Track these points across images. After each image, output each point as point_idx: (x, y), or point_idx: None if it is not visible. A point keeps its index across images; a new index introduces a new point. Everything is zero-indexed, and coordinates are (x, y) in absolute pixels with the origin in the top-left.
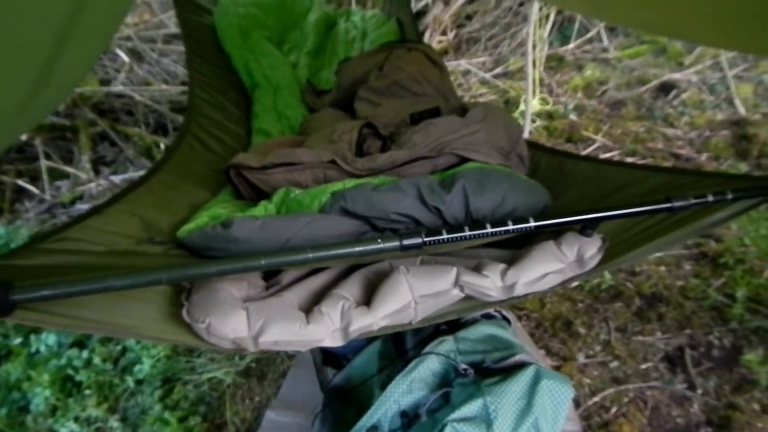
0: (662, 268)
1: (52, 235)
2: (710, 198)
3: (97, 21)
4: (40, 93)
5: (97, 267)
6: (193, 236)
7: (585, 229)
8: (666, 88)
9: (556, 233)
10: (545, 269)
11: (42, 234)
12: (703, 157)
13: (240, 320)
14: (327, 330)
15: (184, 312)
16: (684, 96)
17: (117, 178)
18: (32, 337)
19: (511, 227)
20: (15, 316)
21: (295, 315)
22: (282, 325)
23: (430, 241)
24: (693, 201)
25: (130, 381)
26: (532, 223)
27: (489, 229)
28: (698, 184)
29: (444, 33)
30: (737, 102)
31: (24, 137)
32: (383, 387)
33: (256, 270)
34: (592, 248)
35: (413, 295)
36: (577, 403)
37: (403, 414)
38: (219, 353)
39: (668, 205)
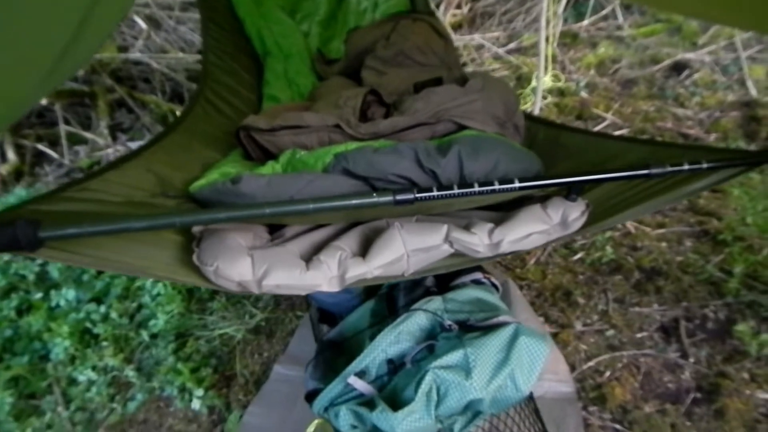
0: (663, 244)
1: (74, 185)
2: (686, 167)
3: None
4: (68, 55)
5: (114, 214)
6: (204, 191)
7: (570, 194)
8: (679, 67)
9: (543, 198)
10: (530, 229)
11: (65, 184)
12: (712, 137)
13: (245, 265)
14: (325, 276)
15: (194, 256)
16: (696, 76)
17: (134, 145)
18: (53, 292)
19: (497, 187)
20: (41, 253)
21: (296, 262)
22: (284, 270)
23: (421, 197)
24: (669, 169)
25: (145, 335)
26: (517, 184)
27: (476, 188)
28: (679, 156)
29: (459, 6)
30: (749, 83)
31: (44, 102)
32: (373, 338)
33: (261, 217)
34: (575, 212)
35: (406, 248)
36: (572, 366)
37: (390, 362)
38: (229, 312)
39: (646, 171)
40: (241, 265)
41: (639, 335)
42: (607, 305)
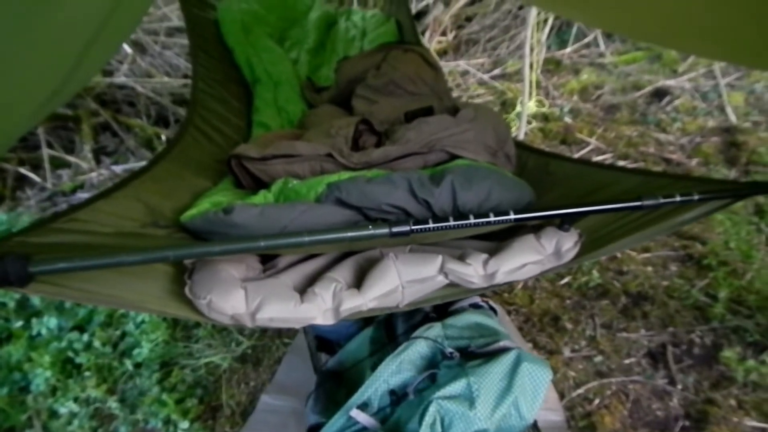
0: (649, 269)
1: (62, 216)
2: (678, 198)
3: (130, 12)
4: (66, 84)
5: (105, 246)
6: (196, 221)
7: (563, 224)
8: (660, 94)
9: (536, 228)
10: (524, 260)
11: (53, 215)
12: (693, 162)
13: (239, 298)
14: (319, 309)
15: (186, 289)
16: (677, 102)
17: (118, 168)
18: (33, 320)
19: (492, 219)
20: (31, 288)
21: (290, 294)
22: (278, 303)
23: (417, 229)
24: (662, 201)
25: (128, 364)
26: (512, 216)
27: (472, 220)
28: (670, 186)
29: (444, 34)
30: (729, 110)
31: None
32: (374, 369)
33: (256, 251)
34: (569, 242)
35: (401, 279)
36: (561, 394)
37: (392, 392)
38: (215, 339)
39: (639, 203)
40: (235, 298)
41: (627, 361)
42: (595, 330)
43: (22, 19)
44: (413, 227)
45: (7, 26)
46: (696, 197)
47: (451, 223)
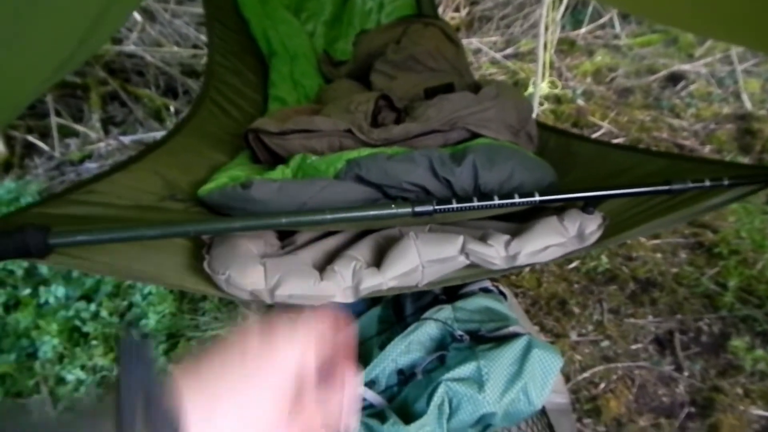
0: (658, 255)
1: (81, 187)
2: (707, 183)
3: None
4: (76, 52)
5: (123, 219)
6: (214, 195)
7: (587, 206)
8: (675, 78)
9: (559, 209)
10: (547, 242)
11: (71, 186)
12: (707, 149)
13: (258, 274)
14: (339, 287)
15: (205, 264)
16: (692, 87)
17: (126, 139)
18: (41, 289)
19: (517, 200)
20: (50, 260)
21: (309, 272)
22: (297, 280)
23: (440, 209)
24: (691, 185)
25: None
26: (537, 198)
27: (497, 201)
28: (697, 170)
29: (457, 9)
30: (744, 96)
31: None
32: (382, 347)
33: (278, 227)
34: (592, 225)
35: (421, 259)
36: (567, 377)
37: (400, 372)
38: (222, 312)
39: (667, 188)
40: (254, 274)
41: (634, 347)
42: (602, 315)
43: None
44: (437, 207)
45: None
46: (726, 182)
47: (476, 203)
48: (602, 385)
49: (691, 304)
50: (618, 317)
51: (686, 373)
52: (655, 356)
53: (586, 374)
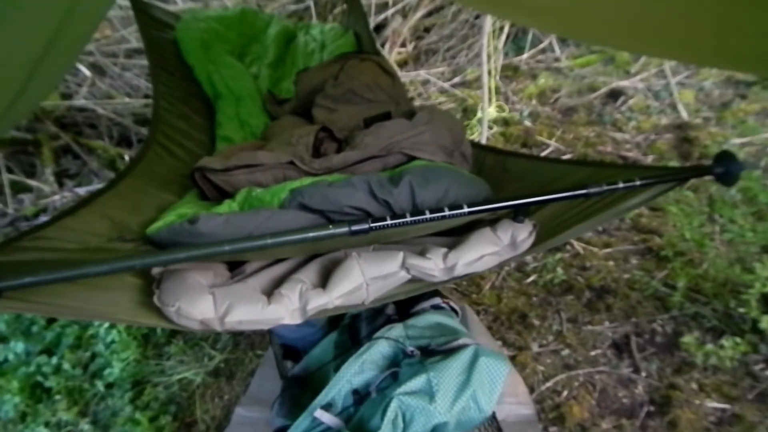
0: (611, 263)
1: (28, 234)
2: (621, 185)
3: (77, 30)
4: (18, 102)
5: (71, 262)
6: (162, 232)
7: (517, 215)
8: (614, 94)
9: (493, 221)
10: (482, 251)
11: (20, 234)
12: (649, 159)
13: (207, 303)
14: (287, 309)
15: (155, 298)
16: (631, 102)
17: (81, 190)
18: (0, 346)
19: (447, 213)
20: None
21: (257, 297)
22: (246, 306)
23: (376, 227)
24: (606, 188)
25: (100, 385)
26: (466, 210)
27: (428, 215)
28: (617, 175)
29: (403, 45)
30: (680, 107)
31: None
32: (337, 370)
33: (221, 255)
34: (524, 233)
35: (365, 277)
36: (531, 388)
37: (355, 392)
38: (188, 355)
39: (585, 191)
40: (203, 303)
41: (593, 353)
42: (561, 325)
43: None
44: (372, 225)
45: None
46: (638, 183)
47: (408, 219)
48: (565, 393)
49: (644, 307)
50: (576, 326)
51: (644, 374)
52: (614, 360)
53: (549, 383)
